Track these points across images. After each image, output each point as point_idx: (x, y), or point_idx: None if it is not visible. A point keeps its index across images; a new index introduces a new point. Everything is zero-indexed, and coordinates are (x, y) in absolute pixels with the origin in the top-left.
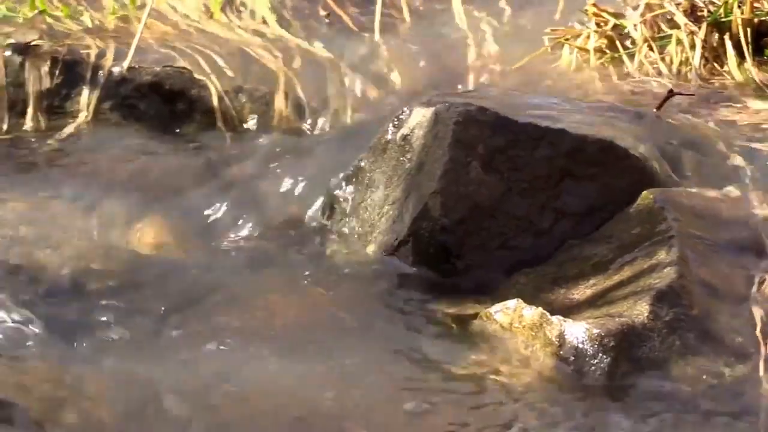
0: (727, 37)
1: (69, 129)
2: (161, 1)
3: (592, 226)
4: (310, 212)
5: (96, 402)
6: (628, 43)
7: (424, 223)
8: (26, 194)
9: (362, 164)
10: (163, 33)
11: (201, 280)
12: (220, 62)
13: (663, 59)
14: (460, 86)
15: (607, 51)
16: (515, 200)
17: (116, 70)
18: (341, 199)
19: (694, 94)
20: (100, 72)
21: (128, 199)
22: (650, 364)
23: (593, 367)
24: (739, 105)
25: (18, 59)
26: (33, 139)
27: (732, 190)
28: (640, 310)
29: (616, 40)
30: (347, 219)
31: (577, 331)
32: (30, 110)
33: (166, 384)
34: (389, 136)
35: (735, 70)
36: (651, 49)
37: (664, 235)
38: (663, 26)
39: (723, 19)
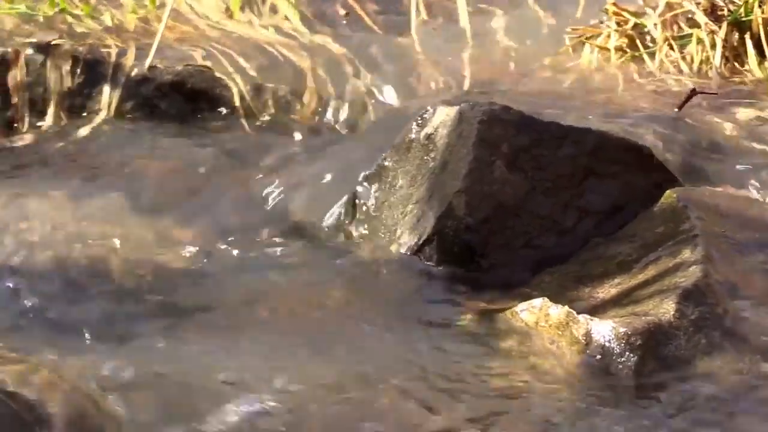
0: (747, 36)
1: (90, 128)
2: (181, 0)
3: (615, 225)
4: (333, 211)
5: (127, 401)
6: (648, 42)
7: (449, 222)
8: (47, 192)
9: (386, 163)
10: (183, 32)
11: (224, 280)
12: (242, 61)
13: (684, 58)
14: (484, 86)
15: (628, 50)
16: (539, 199)
17: (137, 69)
18: (364, 198)
19: (716, 93)
20: (121, 71)
21: (149, 198)
22: (676, 362)
23: (620, 366)
24: (760, 103)
25: (39, 58)
26: (54, 138)
27: (754, 189)
28: (666, 309)
29: (636, 39)
30: (371, 218)
31: (604, 330)
32: (51, 109)
33: (195, 385)
34: (413, 135)
35: (756, 68)
36: (671, 48)
37: (688, 234)
38: (683, 25)
39: (743, 18)
